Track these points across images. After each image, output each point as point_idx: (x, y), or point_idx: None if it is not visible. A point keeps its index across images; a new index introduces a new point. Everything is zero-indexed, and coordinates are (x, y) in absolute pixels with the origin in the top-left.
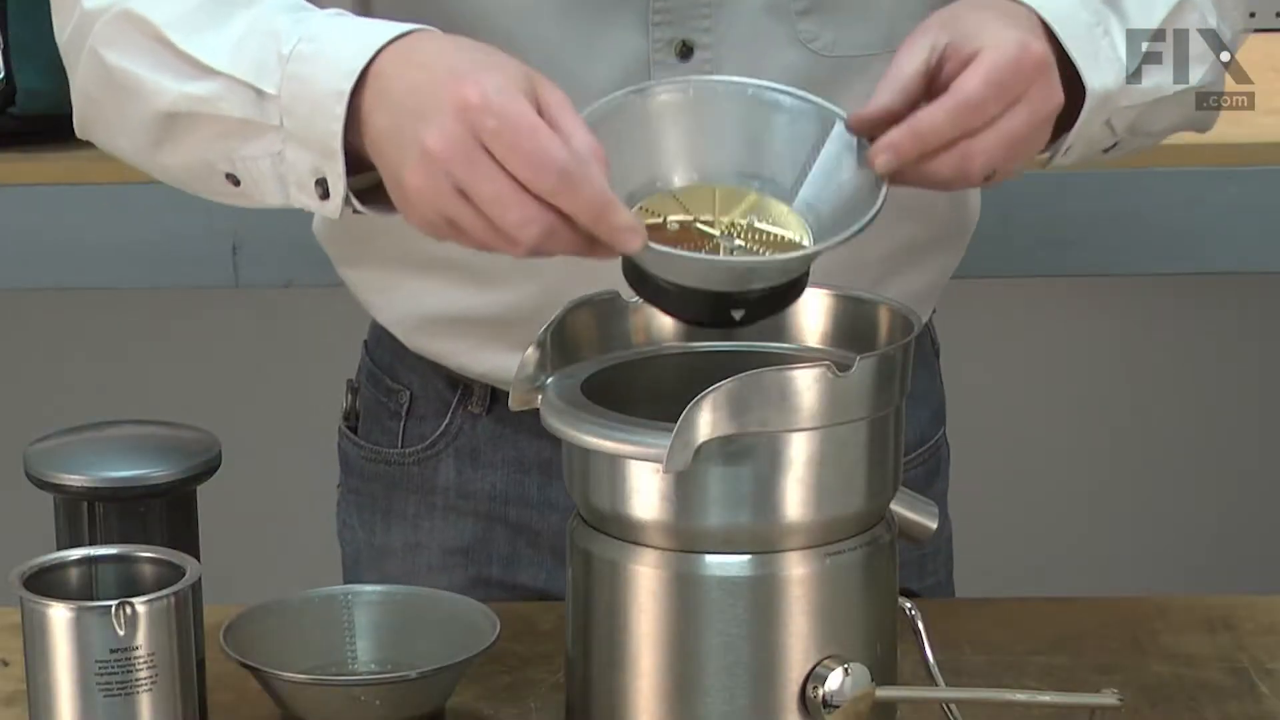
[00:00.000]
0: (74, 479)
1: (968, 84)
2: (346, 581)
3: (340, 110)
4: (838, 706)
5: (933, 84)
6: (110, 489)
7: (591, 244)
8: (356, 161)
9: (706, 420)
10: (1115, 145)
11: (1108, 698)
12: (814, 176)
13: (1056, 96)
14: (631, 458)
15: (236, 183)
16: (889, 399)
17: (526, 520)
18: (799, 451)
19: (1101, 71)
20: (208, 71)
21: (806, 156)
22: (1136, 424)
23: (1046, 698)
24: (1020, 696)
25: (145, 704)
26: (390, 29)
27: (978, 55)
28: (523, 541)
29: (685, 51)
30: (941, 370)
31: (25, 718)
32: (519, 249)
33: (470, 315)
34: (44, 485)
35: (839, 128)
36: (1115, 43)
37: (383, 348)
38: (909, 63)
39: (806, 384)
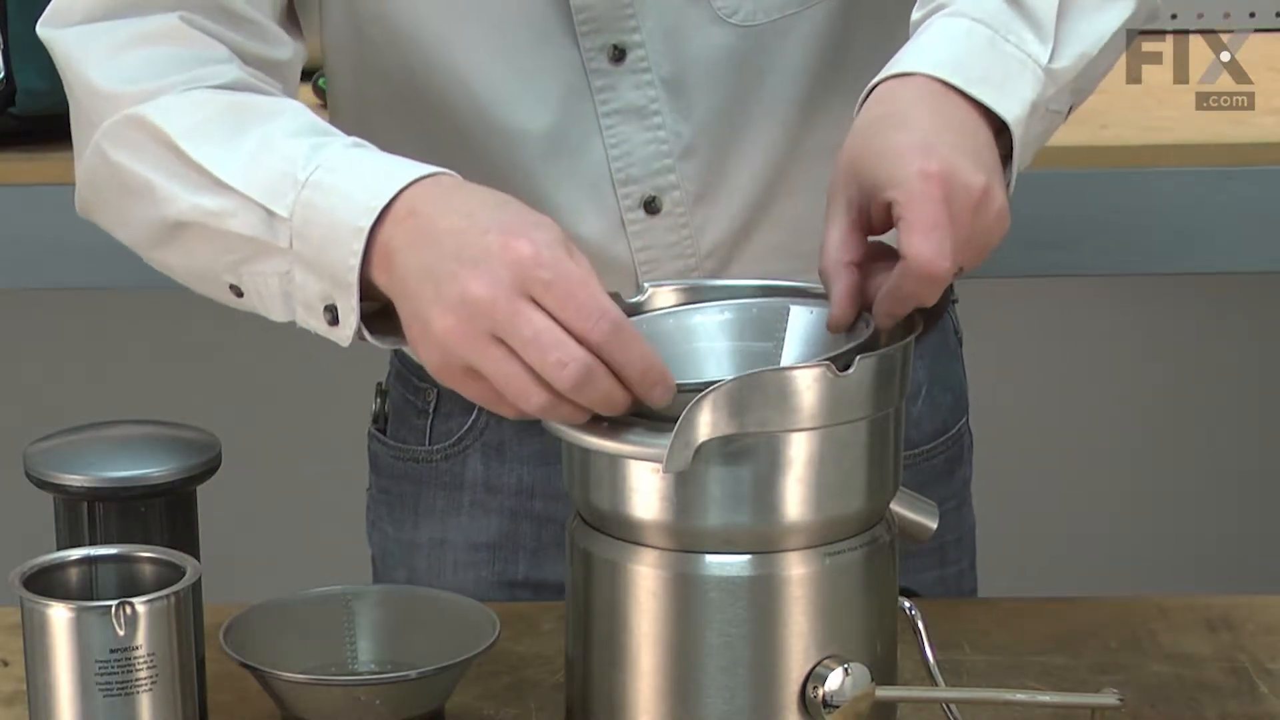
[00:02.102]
0: (74, 479)
1: (915, 249)
2: (377, 583)
3: (359, 246)
4: (838, 706)
5: (870, 228)
6: (110, 489)
7: (617, 396)
8: (364, 291)
9: (706, 420)
10: (1070, 109)
11: (1108, 698)
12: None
13: (976, 182)
14: (631, 458)
15: (240, 294)
16: (889, 399)
17: (553, 513)
18: (799, 451)
19: (1018, 89)
20: (220, 185)
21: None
22: (1135, 424)
23: (1046, 698)
24: (1020, 696)
25: (145, 704)
26: (412, 169)
27: (895, 211)
28: (549, 536)
29: (618, 55)
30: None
31: (25, 718)
32: (534, 401)
33: None
34: (44, 485)
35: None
36: (1022, 39)
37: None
38: (836, 234)
39: (806, 384)
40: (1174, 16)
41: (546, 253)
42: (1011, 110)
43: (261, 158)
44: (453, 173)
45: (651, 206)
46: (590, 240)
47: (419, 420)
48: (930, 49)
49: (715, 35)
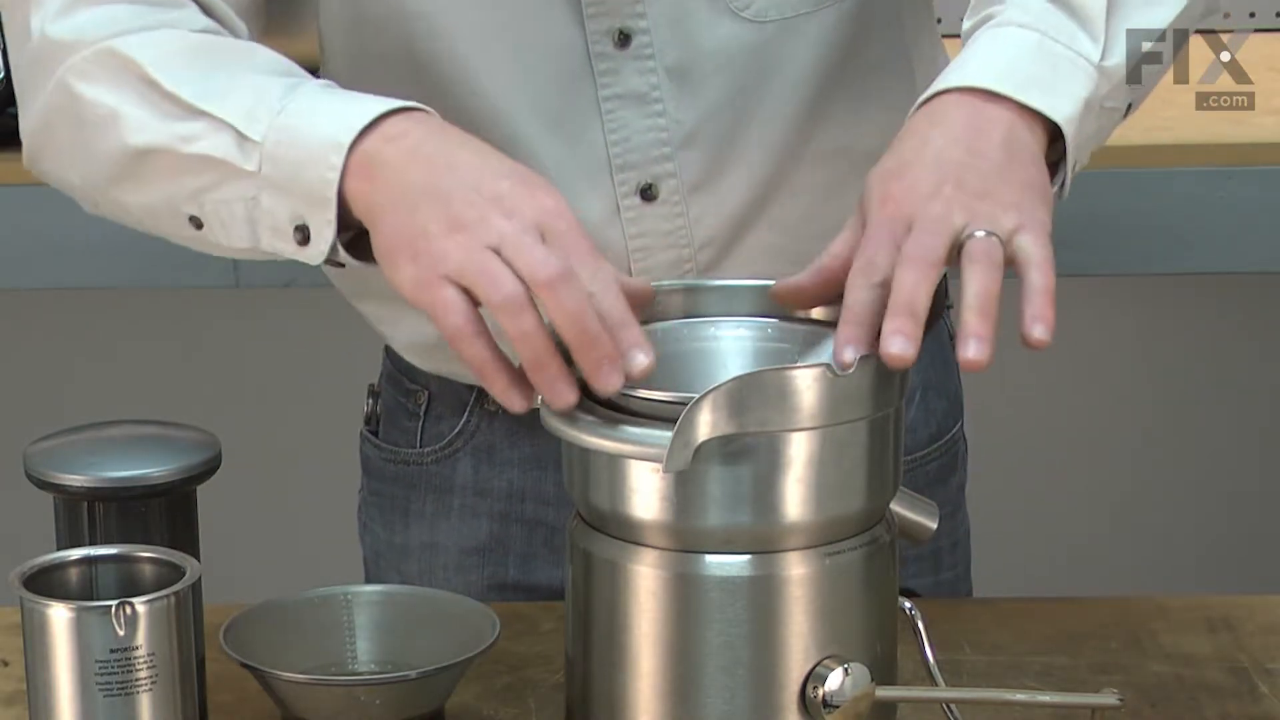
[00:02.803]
0: (74, 479)
1: (860, 249)
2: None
3: (337, 160)
4: (838, 706)
5: None
6: (110, 489)
7: (586, 312)
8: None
9: (706, 420)
10: (1129, 107)
11: (1108, 698)
12: None
13: (929, 174)
14: (631, 458)
15: (199, 226)
16: (889, 399)
17: (543, 517)
18: (799, 451)
19: (1069, 88)
20: (192, 111)
21: None
22: (1136, 424)
23: (1046, 698)
24: (1020, 696)
25: (145, 704)
26: (393, 100)
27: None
28: (539, 540)
29: (623, 40)
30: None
31: (25, 718)
32: (504, 289)
33: None
34: (44, 485)
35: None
36: (1073, 37)
37: None
38: (839, 237)
39: (806, 384)
40: None
41: (568, 211)
42: (1062, 110)
43: (235, 88)
44: (433, 111)
45: (648, 194)
46: (584, 223)
47: (410, 423)
48: (976, 61)
49: (724, 27)
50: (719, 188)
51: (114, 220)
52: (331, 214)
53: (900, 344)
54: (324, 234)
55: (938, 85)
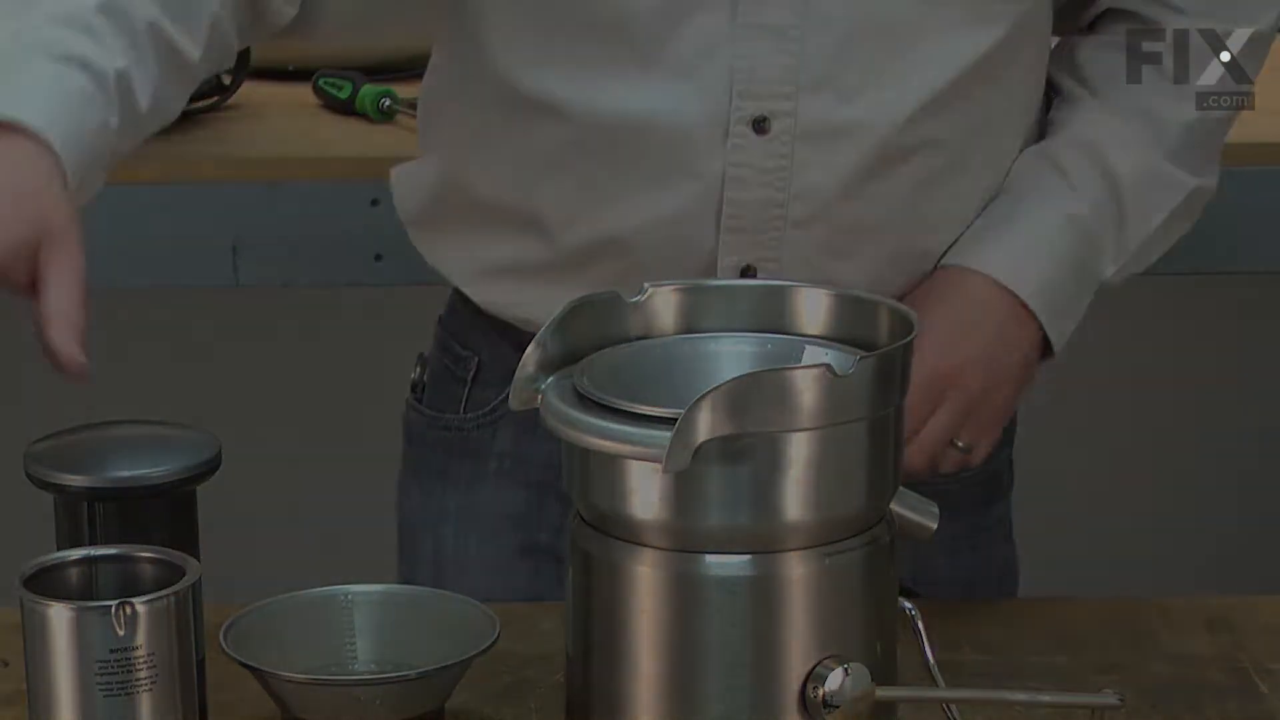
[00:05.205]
0: (74, 479)
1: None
2: (400, 554)
3: None
4: (838, 706)
5: None
6: (110, 489)
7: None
8: None
9: (706, 420)
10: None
11: (1108, 698)
12: None
13: (974, 385)
14: (631, 458)
15: None
16: (889, 399)
17: None
18: (799, 451)
19: (1075, 311)
20: None
21: None
22: (1136, 424)
23: (1046, 698)
24: (1020, 696)
25: (145, 704)
26: None
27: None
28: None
29: None
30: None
31: (25, 718)
32: None
33: (530, 262)
34: (44, 485)
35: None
36: (1100, 257)
37: (456, 316)
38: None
39: (806, 384)
40: None
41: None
42: (1061, 339)
43: None
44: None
45: (760, 126)
46: (689, 141)
47: (457, 388)
48: (1023, 254)
49: None
50: (831, 140)
51: None
52: None
53: None
54: None
55: (983, 258)
